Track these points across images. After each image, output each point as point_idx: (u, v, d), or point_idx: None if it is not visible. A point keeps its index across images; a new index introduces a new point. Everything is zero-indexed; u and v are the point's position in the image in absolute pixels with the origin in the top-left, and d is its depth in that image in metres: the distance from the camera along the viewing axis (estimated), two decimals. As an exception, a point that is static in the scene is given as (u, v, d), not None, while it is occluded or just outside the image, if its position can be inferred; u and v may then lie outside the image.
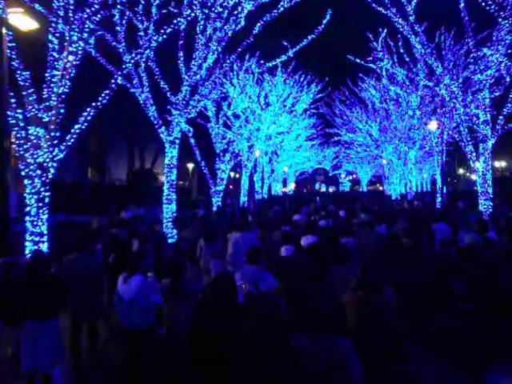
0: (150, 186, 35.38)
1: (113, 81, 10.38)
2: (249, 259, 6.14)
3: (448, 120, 20.77)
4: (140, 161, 44.94)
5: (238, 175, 43.01)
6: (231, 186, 50.35)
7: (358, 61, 20.04)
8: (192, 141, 22.23)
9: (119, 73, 10.82)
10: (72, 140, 9.15)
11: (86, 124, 9.35)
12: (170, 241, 14.54)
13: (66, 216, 23.49)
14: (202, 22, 15.93)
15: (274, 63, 18.60)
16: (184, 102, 16.66)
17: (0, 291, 5.88)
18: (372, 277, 4.65)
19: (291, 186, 68.26)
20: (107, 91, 9.95)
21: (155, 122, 16.62)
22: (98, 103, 9.60)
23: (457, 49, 19.96)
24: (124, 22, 15.57)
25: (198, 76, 17.01)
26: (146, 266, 5.62)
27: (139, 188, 33.10)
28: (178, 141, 16.79)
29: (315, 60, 38.83)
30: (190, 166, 45.94)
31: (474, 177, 77.07)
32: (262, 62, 20.00)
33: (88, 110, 9.52)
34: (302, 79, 31.81)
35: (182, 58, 16.61)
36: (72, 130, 9.23)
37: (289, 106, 32.05)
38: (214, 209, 22.35)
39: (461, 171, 79.00)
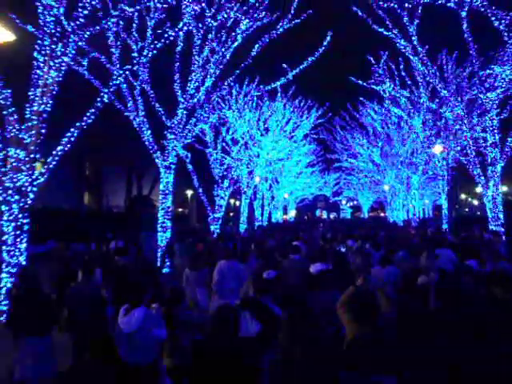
0: (148, 214, 34.58)
1: (99, 99, 9.69)
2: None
3: (453, 143, 20.20)
4: (138, 187, 44.28)
5: (238, 202, 42.31)
6: (231, 213, 49.64)
7: (360, 82, 19.51)
8: (190, 167, 21.62)
9: (106, 90, 10.08)
10: (54, 163, 8.46)
11: (68, 145, 8.66)
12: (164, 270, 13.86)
13: (56, 244, 22.59)
14: (199, 43, 15.41)
15: (273, 86, 18.01)
16: (180, 126, 16.07)
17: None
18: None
19: (292, 213, 67.44)
20: (92, 110, 9.28)
21: (150, 147, 16.00)
22: (83, 123, 8.93)
23: (460, 71, 19.45)
24: (118, 43, 15.11)
25: (196, 99, 16.50)
26: (148, 298, 5.54)
27: (136, 215, 32.27)
28: (173, 166, 16.13)
29: (315, 84, 38.62)
30: (189, 192, 45.22)
31: (475, 202, 76.70)
32: (261, 86, 19.43)
33: (72, 130, 8.85)
34: (301, 104, 31.43)
35: (178, 81, 16.05)
36: (54, 152, 8.54)
37: (289, 131, 31.56)
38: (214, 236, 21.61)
39: (463, 196, 78.27)
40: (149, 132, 15.99)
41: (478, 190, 74.71)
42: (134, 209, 37.33)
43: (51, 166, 8.73)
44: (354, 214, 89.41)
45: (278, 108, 29.01)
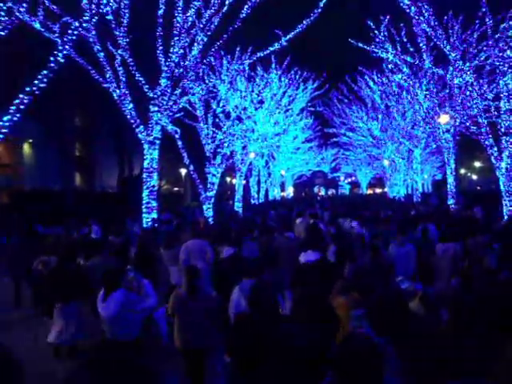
0: (138, 194, 33.37)
1: (53, 58, 8.35)
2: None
3: (459, 112, 18.88)
4: (128, 166, 42.87)
5: (234, 180, 41.10)
6: (229, 192, 48.45)
7: (360, 45, 18.03)
8: (179, 143, 20.29)
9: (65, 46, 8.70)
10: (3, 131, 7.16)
11: (18, 114, 7.36)
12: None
13: (44, 228, 21.47)
14: (181, 3, 13.96)
15: (266, 52, 16.56)
16: (165, 98, 14.73)
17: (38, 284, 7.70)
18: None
19: (290, 190, 66.35)
20: (47, 71, 7.95)
21: (133, 121, 14.71)
22: (34, 87, 7.62)
23: (468, 34, 17.98)
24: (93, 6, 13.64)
25: (181, 69, 15.13)
26: (127, 281, 5.48)
27: (127, 196, 31.06)
28: (158, 141, 14.86)
29: (312, 54, 37.08)
30: (183, 171, 43.88)
31: (474, 176, 75.64)
32: (253, 54, 17.97)
33: (21, 96, 7.54)
34: (297, 76, 29.90)
35: (160, 48, 14.63)
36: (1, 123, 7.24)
37: (284, 104, 30.08)
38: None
39: (462, 171, 77.22)
40: (131, 105, 14.70)
41: (477, 164, 74.23)
42: (124, 190, 36.06)
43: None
44: (352, 190, 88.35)
45: (273, 79, 27.52)
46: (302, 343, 2.71)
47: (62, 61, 8.67)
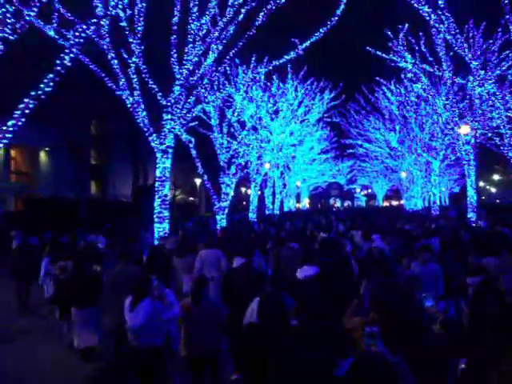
0: (152, 204, 33.17)
1: (59, 62, 8.12)
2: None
3: (478, 124, 18.36)
4: (144, 175, 42.82)
5: (250, 191, 40.74)
6: (244, 203, 48.15)
7: (378, 53, 17.63)
8: (194, 152, 20.04)
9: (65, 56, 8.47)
10: (5, 141, 6.93)
11: (23, 118, 7.11)
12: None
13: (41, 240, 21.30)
14: (195, 10, 13.74)
15: (282, 61, 16.26)
16: (178, 106, 14.48)
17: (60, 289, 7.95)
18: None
19: (305, 202, 65.84)
20: (51, 76, 7.72)
21: (146, 129, 14.48)
22: (40, 91, 7.38)
23: (489, 43, 17.52)
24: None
25: (195, 77, 14.90)
26: (153, 289, 5.42)
27: (140, 205, 30.86)
28: (171, 150, 14.57)
29: (328, 65, 36.74)
30: (198, 180, 43.71)
31: (493, 189, 74.41)
32: (269, 63, 17.68)
33: (26, 100, 7.31)
34: (313, 86, 29.59)
35: (174, 55, 14.39)
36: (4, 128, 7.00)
37: (300, 114, 29.77)
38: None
39: (481, 184, 76.04)
40: (144, 113, 14.48)
41: (496, 177, 72.99)
42: (138, 199, 35.93)
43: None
44: (368, 203, 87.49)
45: (289, 90, 27.27)
46: (315, 356, 2.76)
47: (69, 64, 8.43)
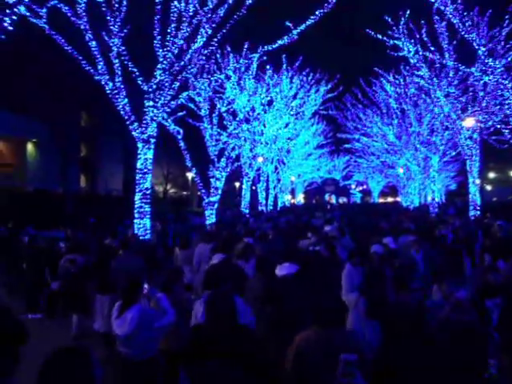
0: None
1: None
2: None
3: (482, 116, 17.35)
4: (133, 166, 41.64)
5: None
6: (238, 198, 47.10)
7: (379, 37, 16.54)
8: (182, 144, 18.96)
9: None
10: None
11: None
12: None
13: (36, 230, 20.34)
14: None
15: (275, 46, 15.16)
16: (162, 93, 13.40)
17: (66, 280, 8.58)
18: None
19: (300, 197, 64.88)
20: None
21: (126, 117, 13.39)
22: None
23: (496, 31, 16.47)
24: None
25: (181, 62, 13.79)
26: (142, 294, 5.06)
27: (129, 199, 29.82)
28: (153, 140, 13.49)
29: (325, 56, 35.65)
30: (190, 175, 42.64)
31: (489, 187, 73.99)
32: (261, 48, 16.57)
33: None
34: (309, 78, 28.47)
35: (158, 37, 13.27)
36: None
37: (294, 106, 28.65)
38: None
39: (477, 181, 75.04)
40: (125, 100, 13.40)
41: (492, 175, 72.40)
42: (127, 193, 34.84)
43: None
44: (363, 199, 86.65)
45: (283, 80, 26.19)
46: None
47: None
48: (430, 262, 6.53)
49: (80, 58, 12.99)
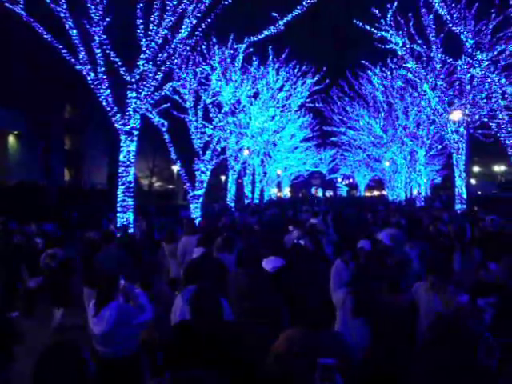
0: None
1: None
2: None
3: (469, 109, 17.29)
4: (116, 159, 41.12)
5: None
6: (224, 191, 46.82)
7: (367, 27, 16.36)
8: (166, 136, 18.65)
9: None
10: None
11: None
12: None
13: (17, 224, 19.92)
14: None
15: (261, 36, 14.92)
16: (145, 83, 13.08)
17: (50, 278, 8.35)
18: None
19: (286, 191, 64.82)
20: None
21: (109, 109, 13.06)
22: None
23: (484, 23, 16.38)
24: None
25: (165, 53, 13.47)
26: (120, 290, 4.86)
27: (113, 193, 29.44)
28: (136, 132, 13.18)
29: (311, 49, 35.45)
30: (176, 168, 42.30)
31: (473, 181, 74.70)
32: (247, 39, 16.30)
33: None
34: (296, 70, 28.22)
35: (141, 26, 12.93)
36: None
37: (281, 98, 28.43)
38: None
39: (463, 175, 75.60)
40: (108, 91, 13.06)
41: (476, 169, 73.00)
42: (112, 187, 34.38)
43: None
44: (349, 193, 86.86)
45: (270, 72, 25.93)
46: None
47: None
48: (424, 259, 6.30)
49: (60, 47, 12.61)
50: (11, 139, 35.85)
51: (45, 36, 12.34)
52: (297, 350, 3.11)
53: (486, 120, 15.25)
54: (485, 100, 14.92)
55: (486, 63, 13.48)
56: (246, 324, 3.86)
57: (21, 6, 11.73)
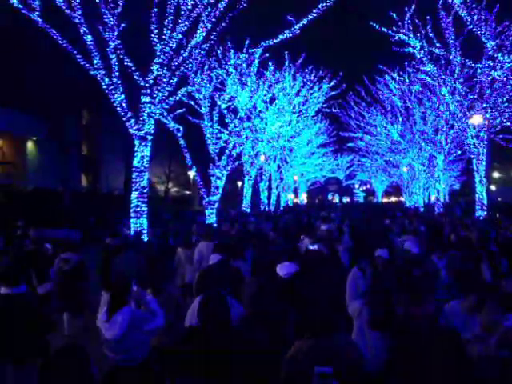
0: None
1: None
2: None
3: (490, 114, 16.86)
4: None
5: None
6: (240, 197, 46.69)
7: (384, 30, 16.11)
8: (182, 142, 18.59)
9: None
10: None
11: None
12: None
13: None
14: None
15: (276, 41, 14.76)
16: (159, 88, 13.00)
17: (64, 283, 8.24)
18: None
19: (303, 196, 64.48)
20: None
21: (123, 114, 13.01)
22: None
23: (504, 26, 15.99)
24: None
25: (180, 58, 13.39)
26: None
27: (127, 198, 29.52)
28: (150, 137, 13.09)
29: (328, 53, 35.23)
30: (191, 173, 42.30)
31: (493, 187, 73.44)
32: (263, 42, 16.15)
33: None
34: (312, 75, 27.99)
35: (155, 31, 12.87)
36: None
37: (297, 103, 28.23)
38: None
39: (483, 181, 74.23)
40: (122, 96, 13.01)
41: (496, 175, 71.66)
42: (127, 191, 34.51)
43: None
44: (367, 199, 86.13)
45: (286, 77, 25.75)
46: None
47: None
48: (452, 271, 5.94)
49: (75, 52, 12.61)
50: (30, 145, 36.20)
51: (60, 42, 12.32)
52: (303, 359, 3.14)
53: (507, 124, 14.83)
54: (506, 103, 14.54)
55: (508, 65, 13.11)
56: (246, 330, 3.85)
57: (37, 12, 11.74)
